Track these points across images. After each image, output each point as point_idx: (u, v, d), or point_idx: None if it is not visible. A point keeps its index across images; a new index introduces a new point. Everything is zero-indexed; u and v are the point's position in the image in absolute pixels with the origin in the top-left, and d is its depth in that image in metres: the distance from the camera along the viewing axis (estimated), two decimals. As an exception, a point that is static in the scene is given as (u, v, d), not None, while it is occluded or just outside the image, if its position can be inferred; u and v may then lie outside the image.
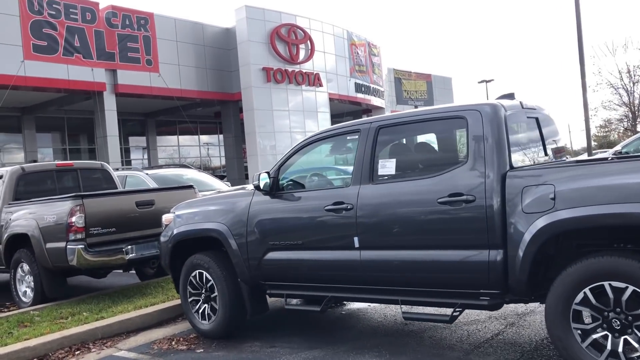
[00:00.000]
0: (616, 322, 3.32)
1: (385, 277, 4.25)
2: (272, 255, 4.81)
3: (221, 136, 30.45)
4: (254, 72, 25.13)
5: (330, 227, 4.50)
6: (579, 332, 3.44)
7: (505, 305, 3.98)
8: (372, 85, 32.93)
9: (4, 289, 8.01)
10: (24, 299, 7.18)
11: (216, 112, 28.55)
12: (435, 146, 4.49)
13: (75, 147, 27.07)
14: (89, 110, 22.96)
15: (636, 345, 3.24)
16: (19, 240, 7.17)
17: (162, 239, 5.66)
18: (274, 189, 4.85)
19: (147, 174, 10.55)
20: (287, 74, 26.30)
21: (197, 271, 5.25)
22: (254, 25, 25.20)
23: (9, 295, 7.45)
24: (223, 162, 31.21)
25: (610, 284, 3.31)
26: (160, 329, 5.76)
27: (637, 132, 26.53)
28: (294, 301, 5.44)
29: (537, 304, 4.88)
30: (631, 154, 8.51)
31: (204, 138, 33.10)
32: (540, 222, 3.50)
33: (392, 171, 4.30)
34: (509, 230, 3.66)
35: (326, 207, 4.45)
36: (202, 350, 4.98)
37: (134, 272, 8.53)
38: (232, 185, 11.21)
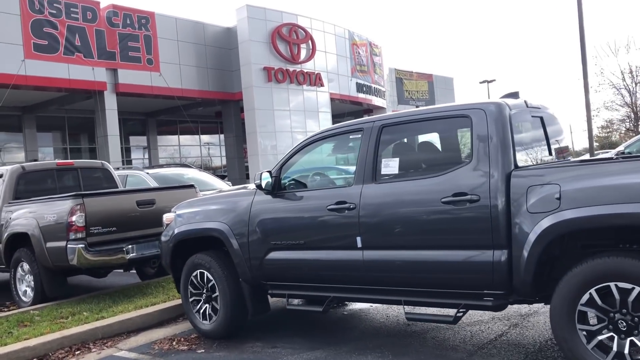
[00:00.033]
0: (622, 323, 3.28)
1: (388, 277, 4.21)
2: (274, 255, 4.77)
3: (222, 136, 30.43)
4: (255, 71, 25.10)
5: (333, 226, 4.46)
6: (585, 333, 3.40)
7: (508, 305, 3.94)
8: (373, 85, 32.90)
9: (4, 288, 7.98)
10: (24, 298, 7.15)
11: (217, 111, 28.52)
12: (439, 145, 4.46)
13: (76, 146, 27.05)
14: (90, 109, 22.94)
15: (643, 346, 3.20)
16: (19, 240, 7.13)
17: (163, 238, 5.63)
18: (276, 188, 4.82)
19: (147, 173, 10.52)
20: (288, 74, 26.27)
21: (198, 271, 5.22)
22: (255, 25, 25.18)
23: (9, 294, 7.42)
24: (224, 162, 31.19)
25: (616, 285, 3.28)
26: (161, 329, 5.72)
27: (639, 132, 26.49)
28: (296, 301, 5.40)
29: (540, 305, 4.85)
30: (635, 154, 8.47)
31: (205, 138, 33.08)
32: (546, 222, 3.46)
33: (395, 170, 4.27)
34: (513, 230, 3.62)
35: (329, 207, 4.42)
36: (203, 350, 4.95)
37: (134, 271, 8.50)
38: (233, 185, 11.18)
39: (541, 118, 4.37)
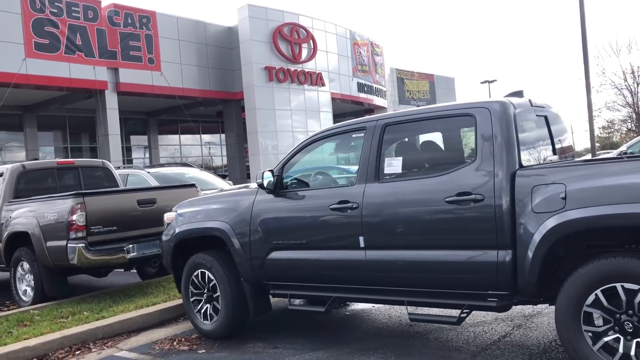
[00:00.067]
0: (628, 324, 3.25)
1: (391, 277, 4.17)
2: (276, 254, 4.73)
3: (223, 135, 30.41)
4: (256, 71, 25.07)
5: (335, 226, 4.42)
6: (590, 334, 3.37)
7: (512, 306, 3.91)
8: (374, 85, 32.86)
9: (4, 287, 7.95)
10: (24, 297, 7.12)
11: (218, 111, 28.49)
12: (443, 144, 4.42)
13: (77, 145, 27.05)
14: (91, 108, 22.93)
15: (649, 348, 3.16)
16: (19, 239, 7.10)
17: (164, 237, 5.59)
18: (278, 188, 4.78)
19: (148, 172, 10.49)
20: (290, 73, 26.24)
21: (200, 270, 5.18)
22: (256, 24, 25.15)
23: (9, 294, 7.39)
24: (225, 162, 31.16)
25: (622, 286, 3.24)
26: (162, 329, 5.69)
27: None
28: (297, 302, 5.37)
29: (544, 306, 4.79)
30: (638, 154, 8.42)
31: (206, 137, 33.06)
32: (551, 222, 3.43)
33: (399, 170, 4.23)
34: (518, 230, 3.59)
35: (331, 206, 4.38)
36: (204, 350, 4.91)
37: (135, 271, 8.46)
38: (235, 185, 11.14)
39: (545, 117, 4.33)
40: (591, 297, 3.34)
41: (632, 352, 3.21)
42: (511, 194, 3.62)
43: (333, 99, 28.71)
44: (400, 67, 40.57)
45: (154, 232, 6.74)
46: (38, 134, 25.08)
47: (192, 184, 7.82)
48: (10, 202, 7.46)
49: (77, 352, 5.09)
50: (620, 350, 3.25)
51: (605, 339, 3.32)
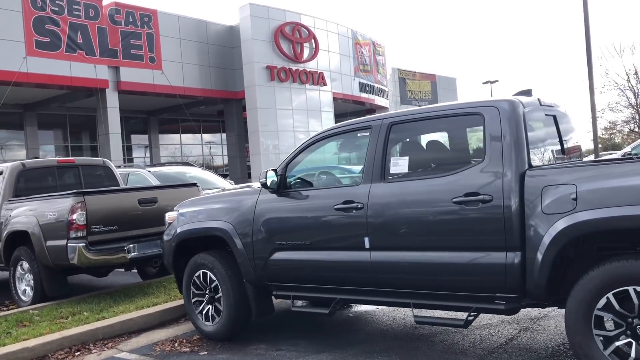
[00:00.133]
0: (641, 329, 3.17)
1: (396, 279, 4.10)
2: (279, 255, 4.66)
3: (224, 135, 30.34)
4: (257, 70, 25.01)
5: (340, 226, 4.35)
6: (601, 338, 3.29)
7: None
8: (376, 85, 32.80)
9: (3, 287, 7.88)
10: (23, 297, 7.05)
11: (219, 110, 28.42)
12: (450, 144, 4.34)
13: (77, 144, 26.99)
14: (92, 107, 22.87)
15: (663, 353, 3.09)
16: (19, 238, 7.03)
17: (165, 237, 5.53)
18: (282, 187, 4.71)
19: (149, 171, 10.42)
20: (291, 73, 26.17)
21: (201, 271, 5.11)
22: (258, 24, 25.09)
23: (8, 293, 7.33)
24: (225, 161, 31.09)
25: (635, 289, 3.17)
26: (163, 329, 5.62)
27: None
28: (300, 303, 5.30)
29: (551, 308, 4.73)
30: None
31: (207, 136, 32.99)
32: (561, 224, 3.35)
33: (405, 169, 4.16)
34: (527, 231, 3.52)
35: (335, 206, 4.31)
36: (205, 352, 4.84)
37: (135, 271, 8.40)
38: (236, 184, 11.07)
39: (554, 116, 4.26)
40: (602, 301, 3.27)
41: (645, 357, 3.13)
42: (520, 195, 3.55)
43: (334, 99, 28.65)
44: (402, 67, 40.51)
45: (155, 231, 6.68)
46: (38, 132, 25.02)
47: (194, 183, 7.75)
48: (10, 200, 7.39)
49: (76, 353, 5.02)
50: (633, 355, 3.18)
51: (617, 343, 3.24)
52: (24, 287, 7.08)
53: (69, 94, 22.33)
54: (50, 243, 6.59)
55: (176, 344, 5.10)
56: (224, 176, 18.47)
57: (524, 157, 3.64)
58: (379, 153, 4.23)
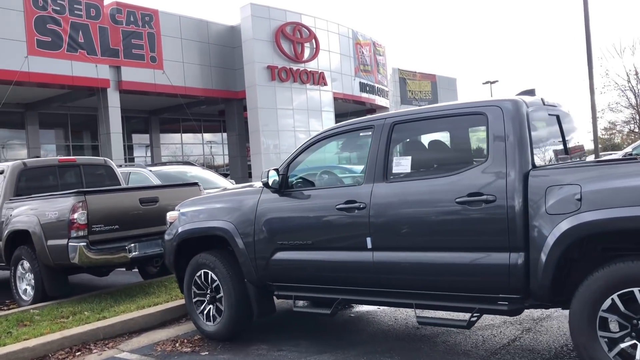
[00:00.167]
0: (646, 330, 3.15)
1: (399, 279, 4.08)
2: (281, 255, 4.64)
3: (225, 134, 30.33)
4: (258, 70, 25.00)
5: (342, 226, 4.33)
6: (606, 340, 3.26)
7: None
8: (376, 85, 32.79)
9: (4, 286, 7.87)
10: (24, 297, 7.03)
11: (220, 110, 28.44)
12: (453, 143, 4.32)
13: (79, 143, 26.99)
14: (93, 107, 22.88)
15: (668, 355, 3.07)
16: (20, 237, 7.01)
17: (166, 237, 5.51)
18: (283, 187, 4.68)
19: (150, 170, 10.40)
20: (292, 73, 26.17)
21: (202, 271, 5.09)
22: (259, 24, 25.08)
23: (9, 293, 7.31)
24: (226, 161, 31.09)
25: (640, 291, 3.14)
26: (164, 329, 5.60)
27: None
28: (301, 303, 5.27)
29: (553, 309, 4.71)
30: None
31: (208, 136, 32.99)
32: (565, 225, 3.33)
33: (407, 169, 4.14)
34: (531, 232, 3.49)
35: (337, 206, 4.29)
36: (206, 352, 4.82)
37: (136, 270, 8.38)
38: (237, 184, 11.05)
39: (557, 116, 4.24)
40: (607, 302, 3.24)
41: (650, 359, 3.11)
42: (524, 195, 3.53)
43: (335, 99, 28.64)
44: (403, 67, 40.51)
45: (156, 231, 6.66)
46: (40, 131, 25.02)
47: (195, 182, 7.73)
48: (10, 200, 7.38)
49: (77, 353, 5.00)
50: (637, 357, 3.15)
51: (622, 345, 3.22)
52: (25, 286, 7.06)
53: (70, 94, 22.34)
54: (51, 242, 6.57)
55: (177, 344, 5.08)
56: (225, 176, 18.44)
57: (528, 157, 3.62)
58: (381, 153, 4.21)
